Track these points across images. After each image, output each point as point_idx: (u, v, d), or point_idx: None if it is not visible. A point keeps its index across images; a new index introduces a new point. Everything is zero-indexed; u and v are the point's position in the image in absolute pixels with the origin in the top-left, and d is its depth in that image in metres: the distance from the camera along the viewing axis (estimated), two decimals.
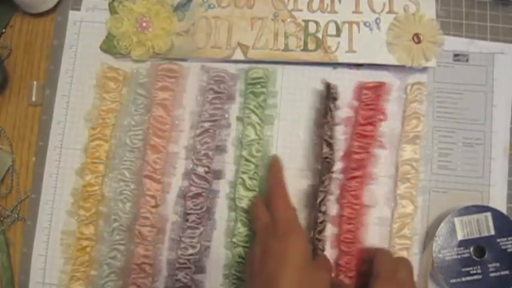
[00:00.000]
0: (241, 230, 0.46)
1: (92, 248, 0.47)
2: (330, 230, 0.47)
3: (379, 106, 0.48)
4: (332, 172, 0.46)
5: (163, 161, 0.47)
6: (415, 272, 0.45)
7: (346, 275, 0.45)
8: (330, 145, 0.46)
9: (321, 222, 0.45)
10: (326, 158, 0.46)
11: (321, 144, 0.46)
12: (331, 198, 0.47)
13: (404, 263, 0.42)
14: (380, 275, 0.41)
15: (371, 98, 0.48)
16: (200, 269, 0.46)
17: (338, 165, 0.47)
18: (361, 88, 0.48)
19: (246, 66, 0.50)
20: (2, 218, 0.49)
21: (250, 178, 0.47)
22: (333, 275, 0.46)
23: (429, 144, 0.49)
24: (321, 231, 0.45)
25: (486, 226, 0.44)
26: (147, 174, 0.47)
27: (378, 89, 0.48)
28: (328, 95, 0.47)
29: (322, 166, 0.46)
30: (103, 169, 0.48)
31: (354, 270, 0.46)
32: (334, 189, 0.47)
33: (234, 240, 0.46)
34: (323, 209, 0.45)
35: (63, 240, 0.48)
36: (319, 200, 0.45)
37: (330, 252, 0.46)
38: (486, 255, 0.44)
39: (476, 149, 0.49)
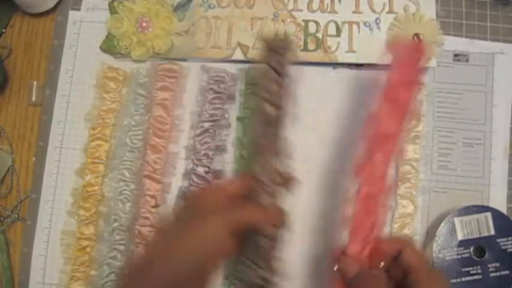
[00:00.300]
0: None
1: (92, 248, 0.47)
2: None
3: (415, 68, 0.40)
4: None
5: (163, 161, 0.47)
6: None
7: None
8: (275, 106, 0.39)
9: None
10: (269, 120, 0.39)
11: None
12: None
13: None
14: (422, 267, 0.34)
15: (405, 59, 0.39)
16: None
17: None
18: (391, 49, 0.40)
19: (246, 66, 0.50)
20: (2, 218, 0.49)
21: None
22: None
23: (429, 144, 0.49)
24: None
25: (486, 226, 0.44)
26: (147, 174, 0.47)
27: (414, 50, 0.40)
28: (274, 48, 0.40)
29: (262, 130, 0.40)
30: (103, 169, 0.48)
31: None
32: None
33: None
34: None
35: (63, 240, 0.48)
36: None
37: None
38: (486, 255, 0.44)
39: (476, 149, 0.49)
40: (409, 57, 0.40)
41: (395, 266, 0.35)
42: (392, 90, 0.38)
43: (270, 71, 0.39)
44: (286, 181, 0.39)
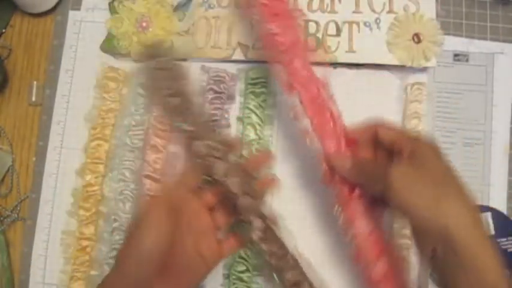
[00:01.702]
0: None
1: (92, 248, 0.47)
2: None
3: None
4: None
5: (163, 161, 0.47)
6: (416, 273, 0.45)
7: None
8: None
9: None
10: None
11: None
12: None
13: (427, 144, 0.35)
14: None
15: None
16: None
17: None
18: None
19: (246, 66, 0.50)
20: (2, 218, 0.49)
21: None
22: None
23: None
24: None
25: (486, 226, 0.44)
26: (147, 174, 0.47)
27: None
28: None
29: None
30: (103, 169, 0.48)
31: None
32: None
33: None
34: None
35: (63, 240, 0.48)
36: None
37: None
38: None
39: (476, 149, 0.49)
40: None
41: (381, 152, 0.37)
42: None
43: (156, 72, 0.42)
44: (229, 145, 0.40)
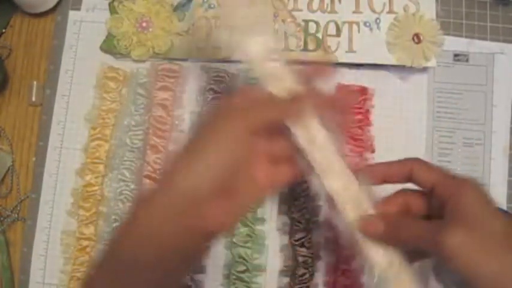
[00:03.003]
0: (241, 230, 0.46)
1: (92, 248, 0.47)
2: (323, 234, 0.47)
3: (364, 110, 0.48)
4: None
5: (163, 161, 0.47)
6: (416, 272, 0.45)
7: (347, 276, 0.45)
8: None
9: (295, 227, 0.46)
10: None
11: None
12: (322, 203, 0.47)
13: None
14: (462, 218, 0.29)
15: (357, 101, 0.48)
16: (200, 269, 0.46)
17: None
18: (344, 90, 0.48)
19: (246, 66, 0.49)
20: (2, 218, 0.49)
21: None
22: (331, 277, 0.46)
23: (429, 144, 0.49)
24: (294, 236, 0.46)
25: None
26: (147, 174, 0.47)
27: (362, 92, 0.48)
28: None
29: None
30: (103, 169, 0.48)
31: (354, 271, 0.45)
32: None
33: (234, 240, 0.46)
34: (295, 215, 0.46)
35: (63, 240, 0.48)
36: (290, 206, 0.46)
37: (326, 256, 0.46)
38: None
39: (476, 149, 0.49)
40: (361, 100, 0.48)
41: (417, 201, 0.32)
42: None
43: None
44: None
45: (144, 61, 0.50)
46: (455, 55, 0.50)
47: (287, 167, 0.34)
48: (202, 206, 0.29)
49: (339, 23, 0.50)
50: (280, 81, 0.34)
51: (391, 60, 0.49)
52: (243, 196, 0.32)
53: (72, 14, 0.52)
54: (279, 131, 0.33)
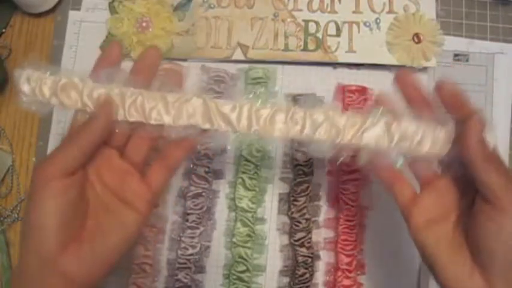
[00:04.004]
0: (241, 230, 0.46)
1: None
2: (323, 234, 0.47)
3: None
4: (304, 177, 0.46)
5: None
6: (416, 272, 0.45)
7: (347, 276, 0.45)
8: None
9: (295, 227, 0.46)
10: (298, 164, 0.46)
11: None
12: (322, 203, 0.47)
13: None
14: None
15: (357, 102, 0.48)
16: (200, 269, 0.46)
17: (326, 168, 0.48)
18: (344, 90, 0.48)
19: (246, 66, 0.50)
20: (2, 218, 0.49)
21: (250, 178, 0.47)
22: (331, 277, 0.46)
23: None
24: (294, 236, 0.46)
25: None
26: None
27: (362, 92, 0.48)
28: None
29: (294, 173, 0.47)
30: None
31: (354, 271, 0.46)
32: (323, 193, 0.47)
33: (234, 240, 0.46)
34: (295, 215, 0.46)
35: None
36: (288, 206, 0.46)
37: (326, 256, 0.47)
38: None
39: None
40: (361, 100, 0.48)
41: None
42: None
43: None
44: None
45: None
46: (455, 55, 0.50)
47: (157, 166, 0.34)
48: (56, 262, 0.29)
49: (339, 23, 0.50)
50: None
51: (391, 60, 0.49)
52: (120, 230, 0.31)
53: (72, 14, 0.52)
54: (118, 140, 0.33)
